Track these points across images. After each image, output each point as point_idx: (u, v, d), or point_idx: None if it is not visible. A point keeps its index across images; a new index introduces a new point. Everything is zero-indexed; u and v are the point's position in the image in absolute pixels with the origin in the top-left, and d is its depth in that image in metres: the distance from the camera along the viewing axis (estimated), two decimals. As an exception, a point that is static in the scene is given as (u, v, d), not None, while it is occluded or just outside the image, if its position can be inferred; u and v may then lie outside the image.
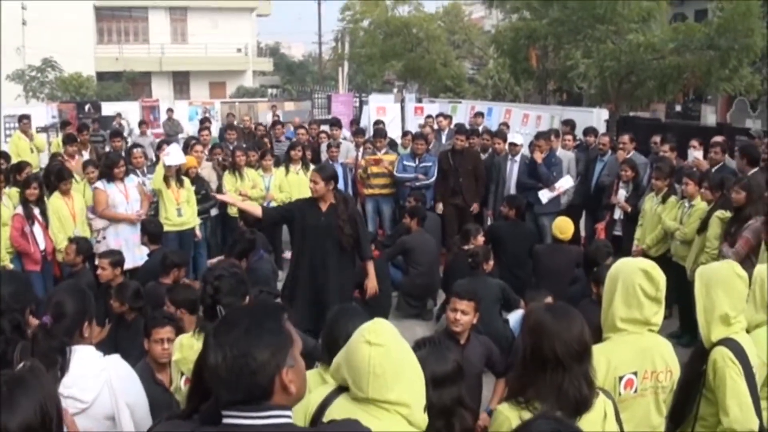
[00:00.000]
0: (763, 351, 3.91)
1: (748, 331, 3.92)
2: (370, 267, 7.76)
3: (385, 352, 2.72)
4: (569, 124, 13.47)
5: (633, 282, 3.54)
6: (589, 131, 12.51)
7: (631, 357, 3.53)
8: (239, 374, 2.15)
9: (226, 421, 2.18)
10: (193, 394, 2.47)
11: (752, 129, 15.07)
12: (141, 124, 19.47)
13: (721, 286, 3.74)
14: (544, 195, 10.84)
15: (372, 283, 7.72)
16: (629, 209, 9.79)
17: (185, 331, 4.81)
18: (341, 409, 2.75)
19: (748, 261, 6.89)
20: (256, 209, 7.79)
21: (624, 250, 9.07)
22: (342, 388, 2.86)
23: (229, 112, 21.89)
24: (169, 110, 24.25)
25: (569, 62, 19.80)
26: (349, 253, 7.64)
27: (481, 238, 9.25)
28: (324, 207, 7.44)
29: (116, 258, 7.29)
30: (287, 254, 10.43)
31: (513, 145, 11.57)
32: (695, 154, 10.35)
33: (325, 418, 2.75)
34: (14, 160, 11.42)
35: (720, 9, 17.53)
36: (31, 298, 4.06)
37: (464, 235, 9.28)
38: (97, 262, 7.40)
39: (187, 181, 10.01)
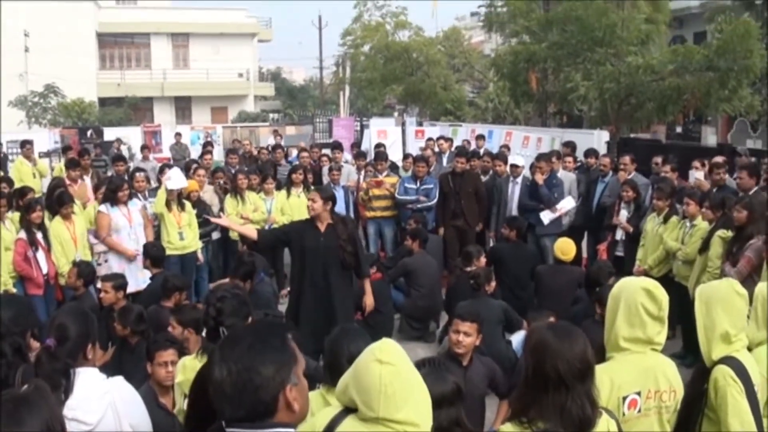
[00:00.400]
0: (765, 369, 3.90)
1: (750, 350, 3.92)
2: (368, 285, 7.82)
3: (396, 371, 2.70)
4: (570, 146, 13.51)
5: (635, 301, 3.53)
6: (590, 153, 12.54)
7: (635, 377, 3.52)
8: (243, 389, 2.16)
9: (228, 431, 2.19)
10: (191, 414, 2.47)
11: (739, 148, 15.12)
12: (143, 148, 19.50)
13: (721, 305, 3.73)
14: (546, 216, 10.86)
15: (369, 300, 7.78)
16: (631, 230, 9.79)
17: (189, 353, 4.82)
18: (350, 430, 2.74)
19: (750, 280, 6.88)
20: (251, 233, 7.81)
21: (626, 271, 9.04)
22: (349, 410, 2.83)
23: (234, 138, 21.95)
24: (178, 134, 24.26)
25: (569, 85, 19.87)
26: (348, 273, 7.67)
27: (483, 260, 9.25)
28: (322, 228, 7.46)
29: (119, 281, 7.32)
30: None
31: (514, 166, 11.61)
32: (697, 174, 10.39)
33: None
34: (17, 185, 11.46)
35: (719, 30, 17.62)
36: (32, 321, 4.06)
37: (466, 257, 9.28)
38: (99, 286, 7.41)
39: (188, 204, 10.04)
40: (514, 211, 11.28)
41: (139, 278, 8.85)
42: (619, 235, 10.01)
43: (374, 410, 2.68)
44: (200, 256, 10.22)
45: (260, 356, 2.20)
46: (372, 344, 2.83)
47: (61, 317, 3.60)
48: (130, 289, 7.83)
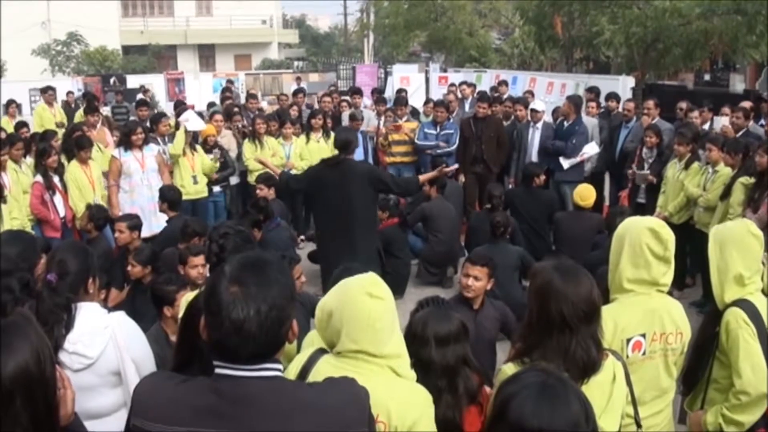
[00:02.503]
0: (781, 314, 3.81)
1: (765, 293, 3.83)
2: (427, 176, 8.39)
3: (385, 307, 2.70)
4: (594, 91, 13.28)
5: (640, 241, 3.43)
6: (611, 97, 12.33)
7: (639, 319, 3.44)
8: (270, 328, 2.08)
9: (218, 371, 2.12)
10: (182, 346, 2.43)
11: (766, 94, 14.75)
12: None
13: (735, 246, 3.62)
14: (566, 161, 10.72)
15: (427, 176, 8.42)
16: (654, 181, 9.61)
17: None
18: (327, 368, 2.70)
19: (771, 226, 6.76)
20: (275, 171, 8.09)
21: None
22: (323, 351, 2.83)
23: (228, 79, 21.77)
24: (147, 90, 24.20)
25: (594, 29, 19.57)
26: (371, 214, 7.78)
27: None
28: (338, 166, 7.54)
29: (134, 222, 7.31)
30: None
31: (534, 111, 11.46)
32: (723, 120, 10.17)
33: (311, 378, 2.71)
34: (37, 130, 11.50)
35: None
36: (37, 257, 4.08)
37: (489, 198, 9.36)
38: (115, 226, 7.42)
39: (200, 149, 10.02)
40: (534, 157, 11.16)
41: (153, 223, 8.80)
42: (640, 180, 9.85)
43: (358, 343, 2.67)
44: None
45: (284, 292, 2.14)
46: (358, 276, 2.81)
47: (61, 253, 3.58)
48: (144, 233, 7.76)
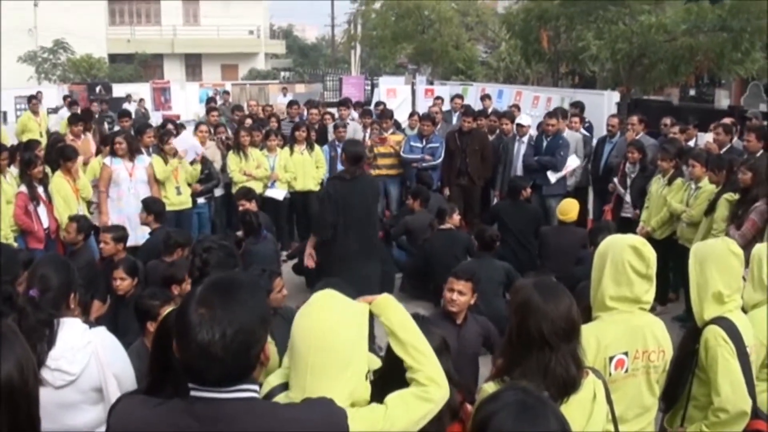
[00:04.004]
0: (761, 331, 3.83)
1: (745, 311, 3.85)
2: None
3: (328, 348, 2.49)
4: (578, 106, 13.36)
5: (622, 259, 3.43)
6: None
7: (622, 336, 3.44)
8: (237, 352, 2.06)
9: (193, 394, 2.11)
10: (154, 364, 2.41)
11: (750, 111, 14.86)
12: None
13: (716, 264, 3.66)
14: (553, 175, 10.77)
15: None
16: (622, 192, 9.74)
17: None
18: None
19: (754, 243, 6.78)
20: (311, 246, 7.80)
21: (633, 232, 8.99)
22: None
23: (224, 90, 21.80)
24: (141, 100, 24.25)
25: (581, 44, 19.63)
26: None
27: (456, 218, 9.25)
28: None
29: (120, 233, 7.26)
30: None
31: (520, 126, 11.52)
32: (706, 137, 10.24)
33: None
34: (19, 139, 11.41)
35: (733, -10, 17.35)
36: (19, 269, 4.06)
37: (440, 215, 9.24)
38: (100, 237, 7.38)
39: (185, 160, 10.02)
40: (519, 171, 11.20)
41: (138, 233, 8.78)
42: (623, 193, 9.90)
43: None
44: None
45: (254, 315, 2.11)
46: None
47: (42, 267, 3.56)
48: (129, 243, 7.72)
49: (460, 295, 5.50)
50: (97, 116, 16.18)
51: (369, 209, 7.64)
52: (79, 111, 15.65)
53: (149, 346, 4.87)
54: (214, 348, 2.03)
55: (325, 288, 3.26)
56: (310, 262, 7.69)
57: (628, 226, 9.30)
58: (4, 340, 2.05)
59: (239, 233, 8.41)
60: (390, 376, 2.76)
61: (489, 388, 2.95)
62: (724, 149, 9.47)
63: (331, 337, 2.46)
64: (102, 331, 3.59)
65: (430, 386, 2.62)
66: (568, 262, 8.20)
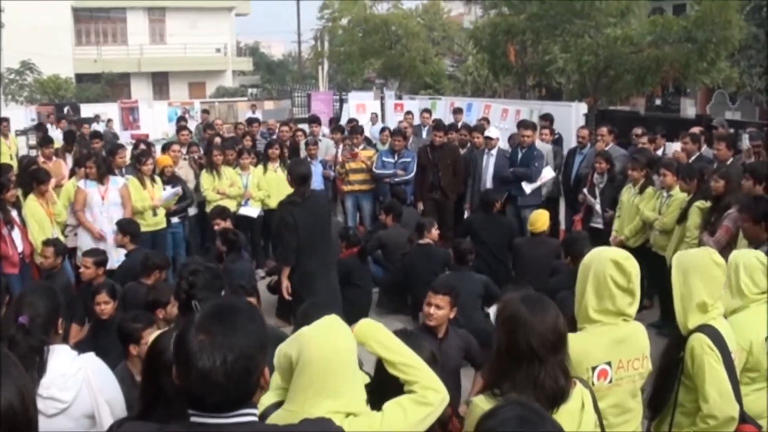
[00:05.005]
0: (741, 337, 3.89)
1: (725, 317, 3.92)
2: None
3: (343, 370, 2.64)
4: (548, 119, 13.47)
5: (604, 273, 3.48)
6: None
7: (605, 348, 3.49)
8: (239, 378, 2.06)
9: (193, 419, 2.11)
10: (146, 389, 2.41)
11: (715, 120, 15.07)
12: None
13: (699, 274, 3.71)
14: (528, 186, 10.86)
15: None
16: (593, 203, 9.87)
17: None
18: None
19: (728, 249, 6.87)
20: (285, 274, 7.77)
21: (603, 242, 9.08)
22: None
23: (203, 108, 21.74)
24: (110, 121, 24.11)
25: (547, 57, 19.79)
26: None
27: (435, 232, 9.30)
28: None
29: (100, 258, 7.23)
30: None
31: (489, 138, 11.57)
32: (674, 146, 10.39)
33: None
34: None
35: (698, 1, 17.60)
36: (2, 296, 4.03)
37: (419, 229, 9.29)
38: (79, 261, 7.32)
39: (159, 181, 9.99)
40: (489, 184, 11.25)
41: (113, 257, 8.69)
42: (593, 203, 10.01)
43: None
44: None
45: (253, 340, 2.12)
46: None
47: (30, 295, 3.54)
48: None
49: (437, 309, 5.54)
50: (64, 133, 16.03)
51: (324, 227, 7.79)
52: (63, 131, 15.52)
53: (132, 371, 4.89)
54: (215, 375, 2.04)
55: (312, 311, 3.30)
56: (287, 295, 7.71)
57: (597, 236, 9.41)
58: (3, 368, 2.04)
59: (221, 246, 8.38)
60: (380, 391, 2.84)
61: (480, 402, 2.98)
62: (693, 158, 9.62)
63: (346, 359, 2.63)
64: (91, 357, 3.58)
65: (428, 392, 2.73)
66: (543, 273, 8.26)
